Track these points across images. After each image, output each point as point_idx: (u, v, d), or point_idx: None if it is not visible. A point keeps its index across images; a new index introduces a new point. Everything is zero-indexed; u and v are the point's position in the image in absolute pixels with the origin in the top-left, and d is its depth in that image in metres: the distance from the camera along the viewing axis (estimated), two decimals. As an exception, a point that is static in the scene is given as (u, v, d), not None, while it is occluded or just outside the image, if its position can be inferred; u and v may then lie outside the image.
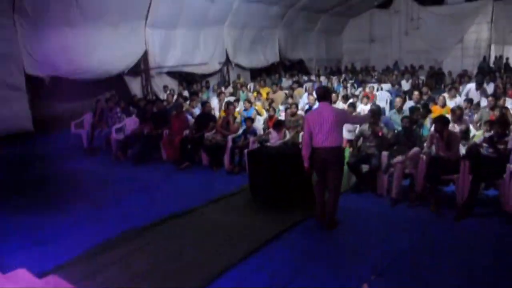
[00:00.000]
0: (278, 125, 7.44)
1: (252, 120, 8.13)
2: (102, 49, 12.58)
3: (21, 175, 8.32)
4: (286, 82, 16.07)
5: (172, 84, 15.15)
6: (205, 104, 8.77)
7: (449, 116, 6.81)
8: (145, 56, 14.25)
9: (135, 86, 14.68)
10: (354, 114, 8.47)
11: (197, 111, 9.87)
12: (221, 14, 16.00)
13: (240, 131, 8.19)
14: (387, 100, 11.91)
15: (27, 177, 8.17)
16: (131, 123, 9.80)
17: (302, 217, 5.61)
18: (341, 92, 12.43)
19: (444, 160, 5.83)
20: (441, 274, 4.26)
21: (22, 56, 11.04)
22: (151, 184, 7.52)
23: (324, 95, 5.31)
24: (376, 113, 6.83)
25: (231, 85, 15.26)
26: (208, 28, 15.97)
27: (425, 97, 9.91)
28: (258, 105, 9.86)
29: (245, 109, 9.09)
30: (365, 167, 6.46)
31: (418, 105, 8.19)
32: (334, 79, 15.80)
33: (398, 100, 8.57)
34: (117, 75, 13.74)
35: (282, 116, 9.03)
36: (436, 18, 20.80)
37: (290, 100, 9.73)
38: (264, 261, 4.59)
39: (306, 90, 11.94)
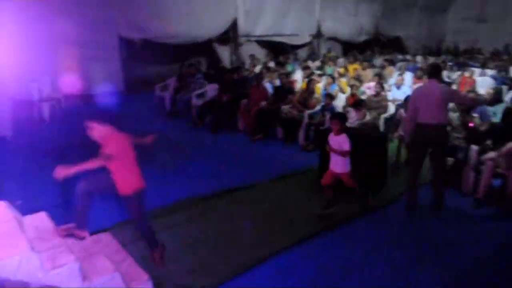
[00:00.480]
0: (358, 104, 6.95)
1: (332, 96, 7.70)
2: (192, 14, 12.71)
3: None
4: (378, 59, 15.13)
5: (261, 53, 14.98)
6: (284, 76, 8.44)
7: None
8: (234, 23, 14.17)
9: (224, 53, 14.75)
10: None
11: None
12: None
13: (319, 107, 7.80)
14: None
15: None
16: (212, 90, 9.79)
17: (368, 208, 5.22)
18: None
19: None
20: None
21: (117, 19, 11.48)
22: (222, 153, 7.49)
23: (433, 71, 5.26)
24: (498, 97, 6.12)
25: (320, 59, 14.72)
26: (299, -2, 15.51)
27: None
28: (343, 81, 9.32)
29: (328, 85, 8.63)
30: (450, 160, 5.81)
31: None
32: (432, 60, 14.56)
33: (489, 92, 7.69)
34: (207, 41, 13.84)
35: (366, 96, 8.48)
36: None
37: (365, 82, 9.00)
38: (316, 251, 4.30)
39: (398, 70, 11.11)
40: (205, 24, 13.27)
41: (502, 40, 19.95)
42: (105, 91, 11.31)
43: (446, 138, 5.27)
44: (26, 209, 4.00)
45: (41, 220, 3.58)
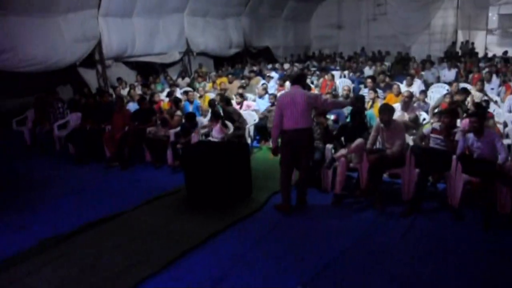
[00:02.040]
0: (214, 117, 6.98)
1: (192, 114, 7.63)
2: (49, 40, 11.87)
3: None
4: (248, 71, 15.56)
5: (131, 75, 14.53)
6: (142, 100, 8.25)
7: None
8: (99, 46, 13.55)
9: (91, 77, 14.00)
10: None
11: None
12: (180, 1, 15.38)
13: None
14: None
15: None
16: (74, 118, 9.22)
17: (235, 218, 5.24)
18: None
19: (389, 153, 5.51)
20: (381, 275, 3.97)
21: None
22: (88, 184, 7.02)
23: (297, 78, 5.40)
24: (360, 99, 6.46)
25: (193, 75, 14.71)
26: (167, 16, 15.30)
27: (382, 85, 9.59)
28: (207, 96, 9.35)
29: (189, 102, 8.61)
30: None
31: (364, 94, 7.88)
32: (297, 67, 15.36)
33: (345, 88, 8.41)
34: (71, 66, 13.03)
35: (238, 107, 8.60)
36: (403, 3, 20.50)
37: (240, 90, 9.21)
38: (185, 270, 4.19)
39: (264, 79, 11.50)
40: (66, 48, 12.44)
41: (358, 44, 21.93)
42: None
43: (312, 141, 5.47)
44: None
45: None
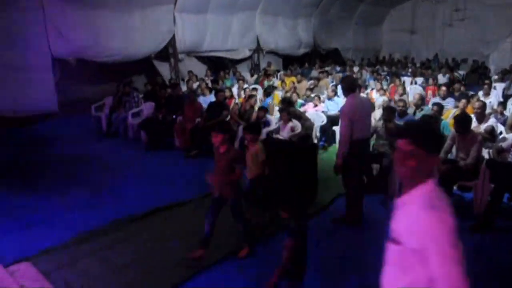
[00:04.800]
0: (288, 115, 7.05)
1: (265, 110, 7.76)
2: (128, 33, 12.49)
3: (32, 155, 8.32)
4: (315, 72, 15.49)
5: (202, 69, 14.95)
6: (218, 92, 8.46)
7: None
8: (173, 40, 14.08)
9: (164, 70, 14.59)
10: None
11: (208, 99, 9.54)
12: (253, 0, 15.61)
13: (254, 121, 7.86)
14: (419, 95, 11.24)
15: (38, 158, 8.14)
16: (148, 108, 9.67)
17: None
18: (372, 84, 11.82)
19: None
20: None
21: (48, 37, 11.06)
22: (157, 171, 7.38)
23: (354, 85, 5.13)
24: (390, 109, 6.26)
25: (261, 73, 14.89)
26: (239, 13, 15.59)
27: (456, 94, 9.22)
28: (276, 94, 9.44)
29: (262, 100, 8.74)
30: (376, 167, 6.01)
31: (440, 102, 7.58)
32: (367, 70, 15.06)
33: (416, 97, 8.06)
34: (147, 58, 13.65)
35: (303, 108, 8.64)
36: (484, 9, 19.43)
37: (308, 92, 9.23)
38: (246, 263, 4.30)
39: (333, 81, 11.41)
40: (142, 41, 13.06)
41: (432, 50, 21.09)
42: (37, 113, 10.88)
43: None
44: None
45: None
